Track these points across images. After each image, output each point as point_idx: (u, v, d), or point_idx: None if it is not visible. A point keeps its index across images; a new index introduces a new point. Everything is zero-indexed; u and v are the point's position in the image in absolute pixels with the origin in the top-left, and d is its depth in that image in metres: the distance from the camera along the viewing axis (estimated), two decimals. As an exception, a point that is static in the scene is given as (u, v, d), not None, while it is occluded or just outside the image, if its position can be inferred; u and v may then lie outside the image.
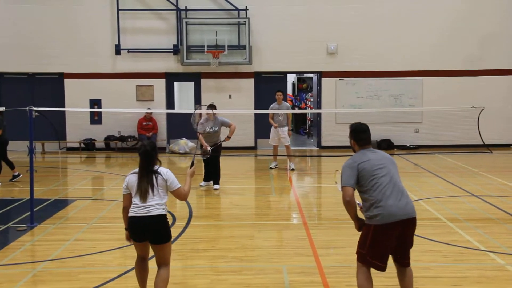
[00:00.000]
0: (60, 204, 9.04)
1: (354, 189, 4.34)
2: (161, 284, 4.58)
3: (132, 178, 4.60)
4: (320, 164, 14.38)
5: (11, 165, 10.94)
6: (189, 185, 4.82)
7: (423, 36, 15.70)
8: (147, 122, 15.63)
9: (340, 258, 6.10)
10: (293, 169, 12.21)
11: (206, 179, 10.32)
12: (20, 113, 8.44)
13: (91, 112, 15.79)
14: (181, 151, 15.31)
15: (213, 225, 7.73)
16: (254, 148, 16.10)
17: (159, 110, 15.58)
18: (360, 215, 4.49)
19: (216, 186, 10.06)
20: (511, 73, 15.89)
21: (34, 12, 15.60)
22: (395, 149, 15.41)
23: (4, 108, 10.11)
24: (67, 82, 15.89)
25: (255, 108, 15.72)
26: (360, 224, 4.46)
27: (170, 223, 4.75)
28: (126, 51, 15.67)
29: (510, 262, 5.83)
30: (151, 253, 4.73)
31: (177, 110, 15.87)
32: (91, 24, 15.67)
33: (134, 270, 4.83)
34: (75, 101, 15.59)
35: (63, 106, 15.40)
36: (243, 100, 15.76)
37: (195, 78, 16.06)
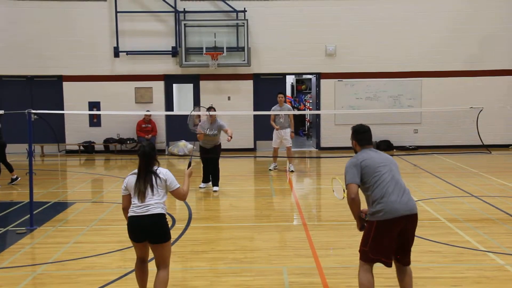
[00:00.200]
0: (60, 206, 9.04)
1: (359, 187, 4.39)
2: (160, 286, 4.59)
3: (131, 179, 4.63)
4: (319, 166, 14.39)
5: (10, 168, 10.93)
6: (188, 185, 4.86)
7: (421, 37, 15.72)
8: (146, 124, 15.64)
9: (340, 259, 6.10)
10: (292, 171, 12.22)
11: (204, 180, 10.32)
12: (19, 116, 8.45)
13: (90, 114, 15.79)
14: (180, 153, 15.31)
15: (213, 227, 7.73)
16: (253, 149, 16.10)
17: (158, 113, 15.58)
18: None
19: (215, 188, 10.06)
20: (510, 73, 15.91)
21: (32, 15, 15.61)
22: (394, 150, 15.41)
23: (3, 111, 10.10)
24: (66, 85, 15.88)
25: (254, 110, 15.74)
26: (362, 224, 4.49)
27: (169, 225, 4.76)
28: (125, 53, 15.68)
29: (509, 262, 5.84)
30: (151, 255, 4.73)
31: (176, 112, 15.87)
32: (89, 26, 15.67)
33: (134, 272, 4.83)
34: (74, 103, 15.61)
35: (62, 109, 15.41)
36: (242, 102, 15.77)
37: (194, 80, 16.07)
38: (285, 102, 12.66)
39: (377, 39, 15.71)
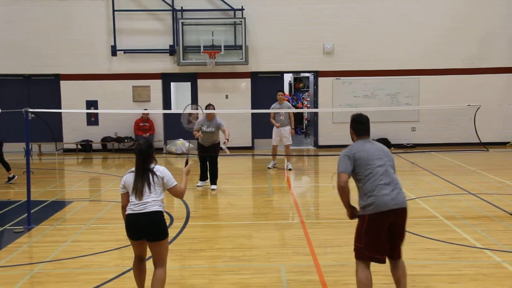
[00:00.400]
0: (57, 205, 9.03)
1: (349, 176, 4.44)
2: (158, 285, 4.59)
3: (129, 177, 4.63)
4: (317, 164, 14.41)
5: (7, 167, 10.91)
6: (185, 183, 4.85)
7: (419, 35, 15.72)
8: (143, 123, 15.62)
9: (337, 257, 6.11)
10: (290, 169, 12.22)
11: (202, 178, 10.32)
12: (16, 114, 8.42)
13: (87, 113, 15.76)
14: (178, 152, 15.31)
15: (211, 225, 7.73)
16: (251, 148, 16.10)
17: (156, 111, 15.56)
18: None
19: (213, 187, 10.06)
20: (508, 71, 15.94)
21: (29, 13, 15.57)
22: (392, 148, 15.42)
23: (0, 110, 10.08)
24: (63, 84, 15.86)
25: (252, 108, 15.73)
26: (352, 212, 4.54)
27: (167, 223, 4.76)
28: (122, 52, 15.65)
29: (506, 259, 5.85)
30: (149, 253, 4.73)
31: (173, 110, 15.85)
32: (87, 25, 15.64)
33: (132, 270, 4.83)
34: (72, 102, 15.57)
35: (60, 108, 15.37)
36: (240, 100, 15.76)
37: (192, 78, 16.06)
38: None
39: (375, 37, 15.71)
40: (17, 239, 6.97)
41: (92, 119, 15.97)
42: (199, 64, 15.48)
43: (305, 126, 19.90)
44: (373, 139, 4.73)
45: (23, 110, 7.48)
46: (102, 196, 10.00)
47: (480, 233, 6.86)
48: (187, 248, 6.51)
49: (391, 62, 15.82)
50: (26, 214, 7.61)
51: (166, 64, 15.86)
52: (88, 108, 15.64)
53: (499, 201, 8.57)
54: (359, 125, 4.67)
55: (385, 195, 4.32)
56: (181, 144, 15.41)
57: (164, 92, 16.09)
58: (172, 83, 16.38)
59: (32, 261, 6.24)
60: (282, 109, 11.94)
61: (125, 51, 15.65)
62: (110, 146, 15.86)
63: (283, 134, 12.16)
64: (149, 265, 4.83)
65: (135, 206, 4.54)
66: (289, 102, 18.71)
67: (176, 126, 15.59)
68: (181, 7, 15.63)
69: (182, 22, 15.37)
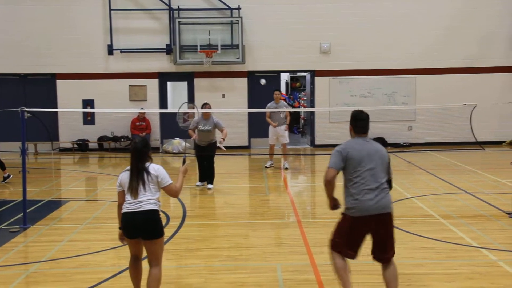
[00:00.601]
0: (53, 205, 9.00)
1: (338, 172, 4.49)
2: (153, 284, 4.58)
3: (124, 176, 4.62)
4: (313, 163, 14.42)
5: (2, 167, 10.87)
6: (181, 182, 4.82)
7: (416, 34, 15.74)
8: (140, 122, 15.59)
9: (334, 256, 6.11)
10: (286, 168, 12.23)
11: (201, 179, 10.30)
12: (12, 114, 8.38)
13: (84, 112, 15.72)
14: (174, 151, 15.29)
15: (207, 224, 7.72)
16: (248, 147, 16.10)
17: (152, 110, 15.54)
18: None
19: (209, 186, 10.06)
20: (504, 70, 15.97)
21: (26, 12, 15.52)
22: (389, 147, 15.43)
23: (-5, 109, 10.07)
24: (59, 83, 15.82)
25: (249, 107, 15.72)
26: (334, 203, 4.63)
27: (164, 222, 4.74)
28: (119, 51, 15.61)
29: (502, 258, 5.87)
30: (145, 253, 4.72)
31: (170, 110, 15.82)
32: (83, 24, 15.60)
33: (128, 270, 4.82)
34: (68, 101, 15.52)
35: (56, 107, 15.33)
36: (237, 100, 15.75)
37: (188, 77, 16.04)
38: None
39: (371, 36, 15.72)
40: (12, 238, 6.95)
41: (89, 118, 15.93)
42: (195, 63, 15.46)
43: (302, 126, 19.91)
44: (370, 138, 4.72)
45: (19, 109, 7.46)
46: (98, 195, 9.98)
47: (476, 232, 6.88)
48: (183, 247, 6.50)
49: (388, 62, 15.84)
50: (22, 214, 7.58)
51: (162, 63, 15.84)
52: (84, 107, 15.60)
53: (495, 200, 8.59)
54: (359, 122, 4.66)
55: (368, 200, 4.38)
56: (178, 143, 15.39)
57: (160, 91, 16.06)
58: (168, 82, 16.36)
59: (28, 260, 6.22)
60: (278, 108, 11.95)
61: (122, 50, 15.61)
62: (107, 145, 15.83)
63: (279, 133, 12.16)
64: (145, 264, 4.82)
65: (130, 205, 4.53)
66: (286, 102, 18.72)
67: (172, 125, 15.56)
68: (178, 6, 15.61)
69: (178, 21, 15.35)
